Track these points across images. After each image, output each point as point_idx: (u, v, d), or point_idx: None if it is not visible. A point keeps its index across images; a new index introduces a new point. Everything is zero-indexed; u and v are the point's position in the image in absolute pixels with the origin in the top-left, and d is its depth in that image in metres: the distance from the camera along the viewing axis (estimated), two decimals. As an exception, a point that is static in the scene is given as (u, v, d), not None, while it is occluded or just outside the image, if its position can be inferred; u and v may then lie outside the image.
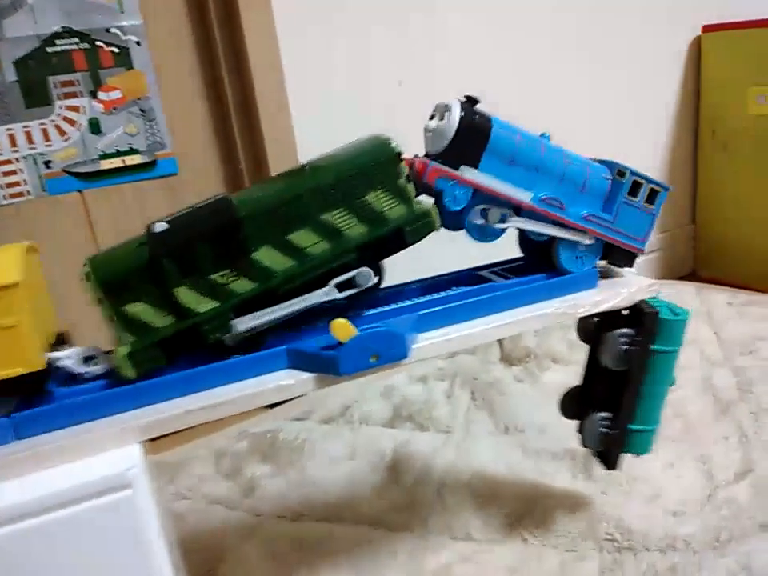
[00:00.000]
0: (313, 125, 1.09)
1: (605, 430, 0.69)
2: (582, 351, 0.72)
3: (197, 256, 0.49)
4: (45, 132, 0.97)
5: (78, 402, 0.48)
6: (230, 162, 1.12)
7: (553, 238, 0.64)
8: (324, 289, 0.54)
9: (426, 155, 0.60)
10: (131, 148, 1.03)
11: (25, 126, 0.96)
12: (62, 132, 0.98)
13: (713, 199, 1.59)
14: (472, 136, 0.58)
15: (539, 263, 0.66)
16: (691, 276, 1.65)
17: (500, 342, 1.24)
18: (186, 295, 0.49)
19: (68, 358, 0.49)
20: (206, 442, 1.04)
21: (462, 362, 1.21)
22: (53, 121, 0.97)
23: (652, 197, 0.66)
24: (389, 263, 0.57)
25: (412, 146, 0.61)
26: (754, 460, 0.86)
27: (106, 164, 1.02)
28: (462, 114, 0.57)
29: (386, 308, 0.59)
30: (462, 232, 0.62)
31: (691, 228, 1.66)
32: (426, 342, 0.56)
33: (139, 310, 0.49)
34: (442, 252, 0.81)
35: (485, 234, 0.62)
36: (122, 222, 1.04)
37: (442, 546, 0.77)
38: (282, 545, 0.79)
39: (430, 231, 0.56)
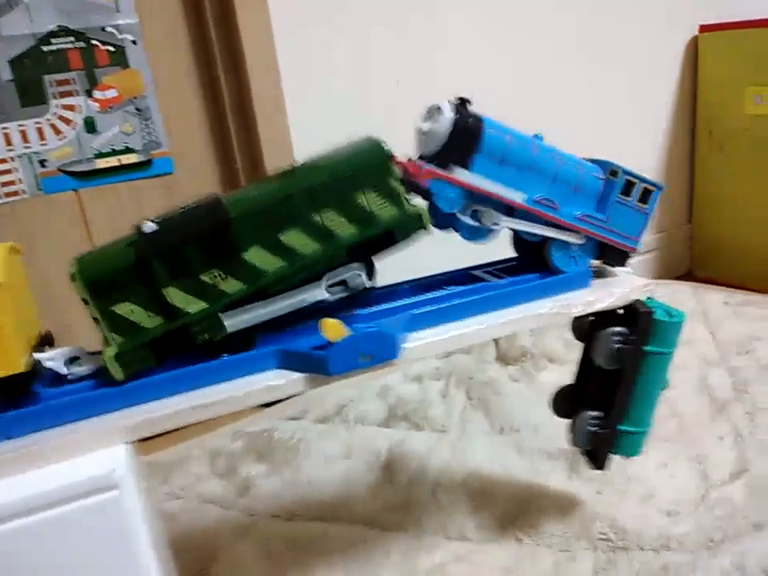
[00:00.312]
0: (310, 125, 1.09)
1: (594, 428, 0.69)
2: (578, 351, 0.72)
3: (186, 257, 0.49)
4: (40, 131, 0.97)
5: (65, 403, 0.47)
6: (226, 161, 1.12)
7: (546, 238, 0.64)
8: (315, 290, 0.54)
9: (420, 157, 0.60)
10: (127, 147, 1.03)
11: (20, 125, 0.96)
12: (57, 131, 0.98)
13: (709, 199, 1.59)
14: (464, 137, 0.58)
15: (533, 263, 0.66)
16: (687, 276, 1.65)
17: (496, 341, 1.23)
18: (175, 296, 0.49)
19: (52, 359, 0.49)
20: (201, 441, 1.04)
21: (457, 362, 1.21)
22: (48, 120, 0.97)
23: (645, 196, 0.66)
24: (381, 264, 0.57)
25: (411, 146, 0.61)
26: (749, 460, 0.85)
27: (102, 163, 1.02)
28: (456, 115, 0.57)
29: (379, 308, 0.59)
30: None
31: (688, 228, 1.66)
32: (419, 342, 0.55)
33: (128, 310, 0.49)
34: (435, 252, 0.81)
35: (477, 234, 0.62)
36: (118, 222, 1.04)
37: (436, 546, 0.77)
38: (276, 544, 0.79)
39: (421, 233, 0.56)
